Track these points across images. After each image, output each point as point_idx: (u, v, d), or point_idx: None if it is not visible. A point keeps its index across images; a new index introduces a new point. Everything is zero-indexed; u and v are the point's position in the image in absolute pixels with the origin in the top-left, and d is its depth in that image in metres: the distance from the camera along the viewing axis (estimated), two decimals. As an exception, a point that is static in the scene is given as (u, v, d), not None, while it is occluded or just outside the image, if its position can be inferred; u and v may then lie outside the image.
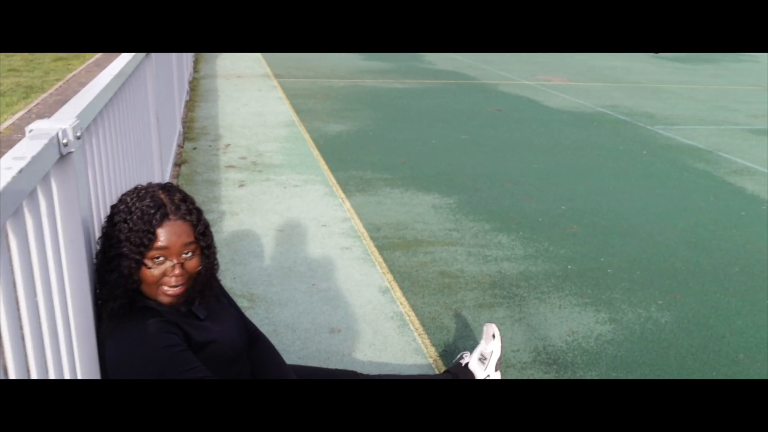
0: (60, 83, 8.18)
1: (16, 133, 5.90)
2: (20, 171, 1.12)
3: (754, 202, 5.02)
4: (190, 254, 1.64)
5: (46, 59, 10.11)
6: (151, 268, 1.60)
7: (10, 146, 5.39)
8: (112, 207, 1.67)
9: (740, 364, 2.80)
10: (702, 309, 3.27)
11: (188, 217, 1.65)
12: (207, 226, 1.72)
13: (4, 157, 1.20)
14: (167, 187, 1.71)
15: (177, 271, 1.61)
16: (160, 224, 1.60)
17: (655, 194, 5.08)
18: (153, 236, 1.59)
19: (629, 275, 3.61)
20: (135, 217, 1.59)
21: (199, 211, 1.71)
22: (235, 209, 4.25)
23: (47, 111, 6.68)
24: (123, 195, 1.68)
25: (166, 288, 1.64)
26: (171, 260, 1.61)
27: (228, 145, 5.73)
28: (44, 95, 7.42)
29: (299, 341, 2.78)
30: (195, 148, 5.56)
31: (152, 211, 1.60)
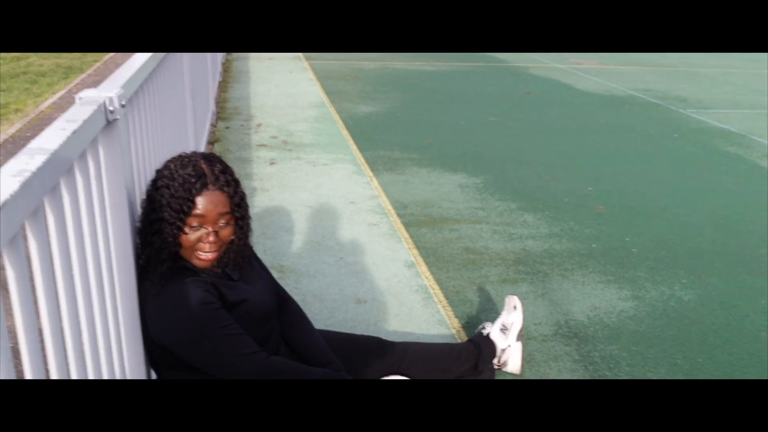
0: (98, 64, 8.38)
1: (57, 111, 6.09)
2: (74, 132, 1.22)
3: (785, 185, 4.98)
4: (224, 223, 1.75)
5: (83, 41, 10.32)
6: (187, 234, 1.71)
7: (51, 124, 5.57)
8: (157, 171, 1.77)
9: (763, 341, 2.83)
10: (726, 288, 3.29)
11: (226, 188, 1.75)
12: (243, 197, 1.82)
13: (57, 120, 1.30)
14: (209, 157, 1.80)
15: (211, 238, 1.72)
16: (199, 193, 1.70)
17: (684, 177, 5.07)
18: (192, 204, 1.69)
19: (654, 255, 3.64)
20: (177, 184, 1.70)
21: (237, 183, 1.81)
22: (266, 186, 4.37)
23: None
24: (167, 161, 1.78)
25: (200, 253, 1.75)
26: (206, 227, 1.72)
27: (259, 125, 5.84)
28: (83, 75, 7.62)
29: (327, 310, 2.88)
30: (228, 128, 5.68)
31: (193, 180, 1.70)
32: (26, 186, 0.99)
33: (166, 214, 1.69)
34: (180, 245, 1.72)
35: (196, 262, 1.77)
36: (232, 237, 1.80)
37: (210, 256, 1.76)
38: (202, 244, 1.74)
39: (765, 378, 2.57)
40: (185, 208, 1.69)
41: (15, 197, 0.94)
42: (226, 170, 1.80)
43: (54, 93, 6.77)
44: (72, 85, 7.17)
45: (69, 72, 7.78)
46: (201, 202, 1.71)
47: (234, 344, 1.78)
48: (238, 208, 1.79)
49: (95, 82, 7.18)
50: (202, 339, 1.75)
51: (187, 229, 1.72)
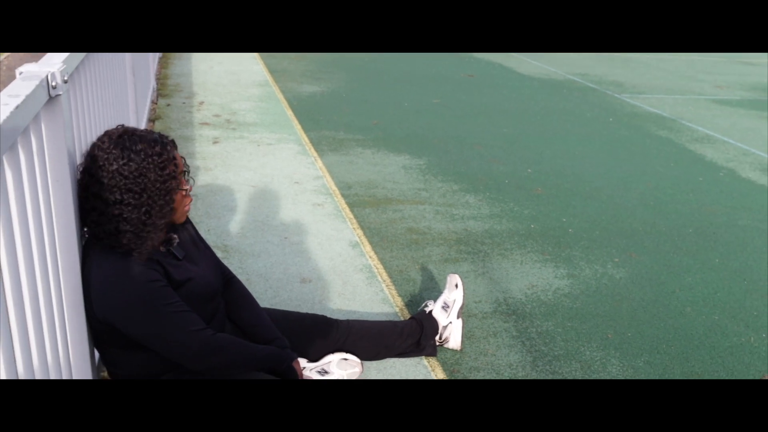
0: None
1: (-13, 85, 5.84)
2: (17, 107, 1.21)
3: (712, 168, 5.22)
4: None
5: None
6: (184, 192, 1.86)
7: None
8: (129, 163, 1.70)
9: (687, 316, 3.00)
10: (655, 266, 3.46)
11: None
12: None
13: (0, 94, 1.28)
14: (143, 131, 1.83)
15: (187, 187, 1.88)
16: (174, 148, 1.83)
17: (618, 159, 5.26)
18: (176, 160, 1.82)
19: (589, 234, 3.79)
20: (153, 151, 1.74)
21: None
22: (209, 165, 4.33)
23: (17, 62, 6.60)
24: (102, 145, 1.73)
25: (186, 209, 1.91)
26: (185, 183, 1.87)
27: (202, 103, 5.76)
28: (13, 48, 7.32)
29: (271, 290, 2.90)
30: (169, 105, 5.57)
31: (168, 148, 1.79)
32: (-29, 162, 0.98)
33: (171, 184, 1.77)
34: (174, 209, 1.85)
35: (182, 217, 1.91)
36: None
37: (189, 205, 1.94)
38: (187, 197, 1.89)
39: (687, 350, 2.73)
40: (174, 166, 1.80)
41: (-39, 173, 0.94)
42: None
43: (-17, 66, 6.48)
44: (2, 57, 6.88)
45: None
46: (177, 158, 1.84)
47: (180, 321, 1.79)
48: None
49: (26, 54, 6.91)
50: (148, 316, 1.75)
51: (183, 189, 1.86)
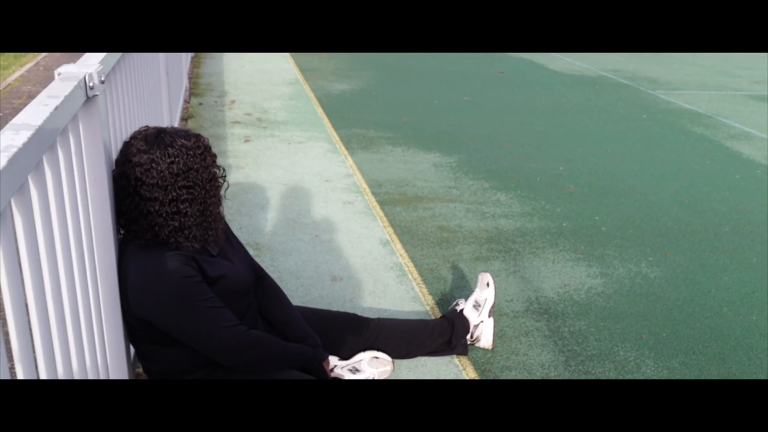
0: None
1: (25, 84, 5.98)
2: (56, 108, 1.23)
3: (750, 165, 5.11)
4: None
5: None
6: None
7: (20, 97, 5.48)
8: (178, 158, 1.75)
9: (724, 316, 2.94)
10: (691, 266, 3.40)
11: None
12: None
13: (38, 96, 1.31)
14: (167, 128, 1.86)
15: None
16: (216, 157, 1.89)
17: (652, 157, 5.17)
18: (215, 158, 1.89)
19: (622, 233, 3.73)
20: (197, 152, 1.79)
21: None
22: (241, 163, 4.36)
23: (55, 63, 6.74)
24: (178, 142, 1.76)
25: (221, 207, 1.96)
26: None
27: (233, 102, 5.81)
28: (50, 49, 7.46)
29: (302, 287, 2.92)
30: (201, 104, 5.64)
31: (204, 141, 1.84)
32: (13, 162, 1.00)
33: (212, 171, 1.84)
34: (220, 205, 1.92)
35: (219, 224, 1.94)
36: None
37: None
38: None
39: (724, 351, 2.68)
40: (217, 166, 1.88)
41: (4, 172, 0.96)
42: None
43: (22, 65, 6.63)
44: (40, 57, 7.03)
45: (36, 45, 7.62)
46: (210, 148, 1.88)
47: (215, 317, 1.81)
48: None
49: (63, 55, 7.04)
50: (184, 311, 1.77)
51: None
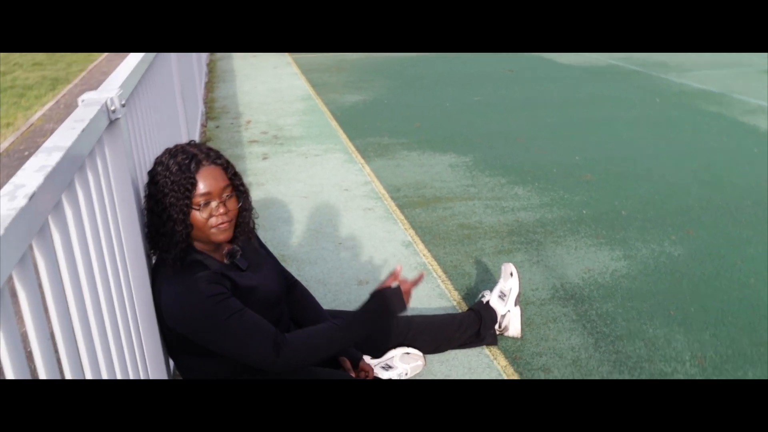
0: (83, 74, 8.42)
1: (48, 122, 6.15)
2: (83, 130, 1.31)
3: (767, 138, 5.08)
4: (228, 195, 1.86)
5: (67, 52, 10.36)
6: (199, 211, 1.81)
7: (43, 135, 5.64)
8: (150, 171, 1.86)
9: (751, 287, 2.94)
10: (714, 241, 3.40)
11: (218, 161, 1.86)
12: (235, 169, 1.94)
13: (66, 122, 1.39)
14: (192, 143, 1.91)
15: (221, 210, 1.83)
16: (197, 170, 1.81)
17: (668, 139, 5.17)
18: (194, 181, 1.80)
19: (643, 215, 3.74)
20: (174, 170, 1.79)
21: (226, 158, 1.92)
22: (261, 180, 4.45)
23: (74, 101, 6.91)
24: (157, 158, 1.87)
25: (216, 229, 1.85)
26: (215, 200, 1.82)
27: (249, 122, 5.92)
28: (70, 86, 7.66)
29: (330, 293, 2.98)
30: (218, 127, 5.75)
31: (187, 162, 1.81)
32: (49, 180, 1.07)
33: (172, 198, 1.78)
34: (191, 226, 1.82)
35: (216, 237, 1.86)
36: (240, 204, 1.91)
37: (226, 225, 1.86)
38: (215, 218, 1.84)
39: (754, 320, 2.68)
40: (189, 186, 1.79)
41: (41, 190, 1.03)
42: (212, 149, 1.92)
43: (43, 105, 6.82)
44: (60, 95, 7.22)
45: (56, 83, 7.83)
46: (201, 179, 1.81)
47: (246, 330, 1.83)
48: (235, 177, 1.91)
49: (82, 91, 7.23)
50: (214, 329, 1.82)
51: (196, 207, 1.82)
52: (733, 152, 4.80)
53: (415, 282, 1.97)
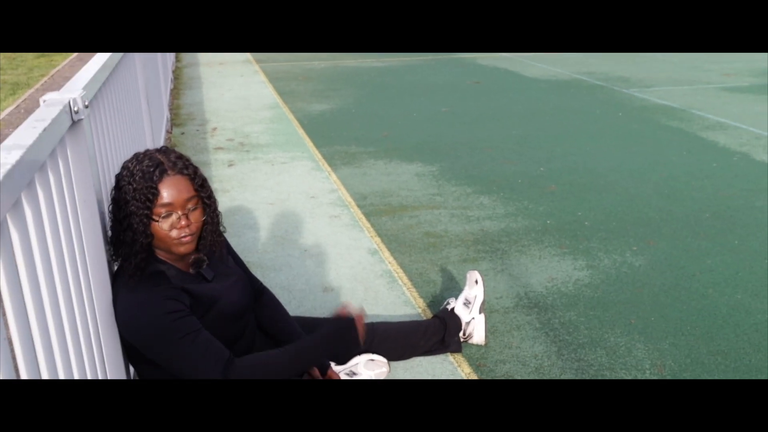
0: (45, 79, 8.26)
1: (7, 128, 6.01)
2: (44, 130, 1.28)
3: (726, 153, 5.22)
4: (192, 207, 1.81)
5: (28, 56, 10.16)
6: (159, 222, 1.76)
7: (2, 140, 5.51)
8: (117, 175, 1.83)
9: (709, 297, 3.01)
10: (674, 252, 3.47)
11: (185, 171, 1.81)
12: (204, 179, 1.88)
13: (26, 121, 1.36)
14: (163, 149, 1.87)
15: (183, 222, 1.77)
16: (160, 180, 1.76)
17: (630, 152, 5.28)
18: (156, 191, 1.75)
19: (605, 226, 3.81)
20: (137, 178, 1.76)
21: (195, 167, 1.87)
22: (227, 187, 4.41)
23: (35, 106, 6.77)
24: (125, 162, 1.84)
25: (177, 240, 1.79)
26: (176, 212, 1.77)
27: (215, 129, 5.87)
28: (30, 91, 7.52)
29: (295, 300, 2.96)
30: (183, 133, 5.70)
31: (152, 170, 1.76)
32: (8, 178, 1.05)
33: (133, 206, 1.74)
34: (152, 236, 1.78)
35: (176, 249, 1.81)
36: (204, 218, 1.86)
37: (188, 239, 1.80)
38: (176, 230, 1.78)
39: (712, 330, 2.74)
40: (150, 196, 1.74)
41: (-1, 187, 1.01)
42: (182, 157, 1.86)
43: (2, 110, 6.67)
44: (20, 100, 7.07)
45: (16, 88, 7.67)
46: (165, 189, 1.76)
47: (196, 354, 1.78)
48: (202, 189, 1.85)
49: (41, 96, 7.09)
50: (164, 347, 1.77)
51: (156, 218, 1.76)
52: (693, 166, 4.92)
53: (359, 321, 1.97)
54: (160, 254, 1.86)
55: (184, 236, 1.78)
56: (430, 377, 2.44)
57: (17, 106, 6.85)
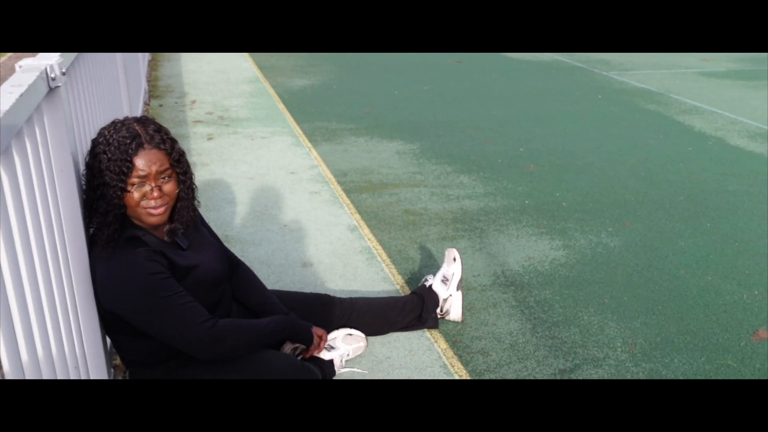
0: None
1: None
2: (21, 95, 1.27)
3: (701, 138, 5.29)
4: (166, 178, 1.81)
5: None
6: (131, 192, 1.76)
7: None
8: (93, 140, 1.81)
9: (681, 278, 3.06)
10: (648, 233, 3.52)
11: (162, 146, 1.80)
12: (182, 153, 1.88)
13: (2, 86, 1.34)
14: (142, 120, 1.85)
15: (155, 194, 1.78)
16: (135, 153, 1.75)
17: (608, 134, 5.32)
18: (131, 164, 1.74)
19: (582, 207, 3.85)
20: (113, 148, 1.74)
21: (173, 140, 1.86)
22: (206, 160, 4.38)
23: (8, 73, 6.64)
24: (102, 128, 1.82)
25: (148, 210, 1.80)
26: (149, 183, 1.77)
27: (194, 102, 5.81)
28: (3, 59, 7.35)
29: (274, 275, 2.96)
30: (161, 105, 5.63)
31: (128, 141, 1.75)
32: (-16, 143, 1.04)
33: (107, 177, 1.73)
34: (125, 206, 1.77)
35: (146, 219, 1.82)
36: (177, 191, 1.86)
37: (159, 210, 1.81)
38: (147, 200, 1.79)
39: (682, 310, 2.80)
40: (125, 169, 1.74)
41: (-24, 152, 0.99)
42: (161, 129, 1.85)
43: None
44: (3, 58, 6.93)
45: (-12, 56, 7.51)
46: (139, 162, 1.76)
47: (182, 313, 1.82)
48: (177, 164, 1.85)
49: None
50: (150, 309, 1.80)
51: (130, 189, 1.76)
52: (669, 149, 4.97)
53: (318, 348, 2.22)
54: (137, 222, 1.86)
55: (154, 207, 1.79)
56: (406, 352, 2.47)
57: (-10, 74, 6.71)
